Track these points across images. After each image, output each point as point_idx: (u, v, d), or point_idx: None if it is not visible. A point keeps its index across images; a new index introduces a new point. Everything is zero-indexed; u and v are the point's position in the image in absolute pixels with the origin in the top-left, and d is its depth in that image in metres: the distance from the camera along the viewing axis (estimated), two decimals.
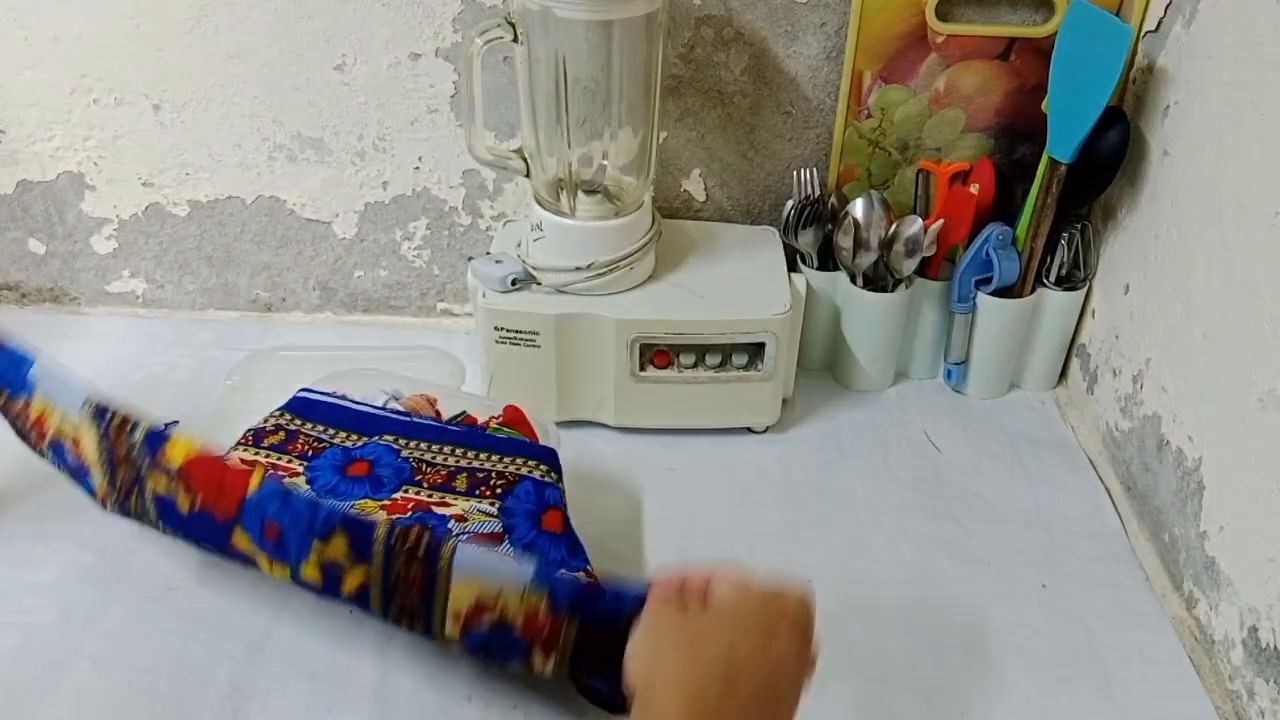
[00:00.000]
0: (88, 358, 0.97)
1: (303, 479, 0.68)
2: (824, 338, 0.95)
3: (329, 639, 0.69)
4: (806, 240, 0.91)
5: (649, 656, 0.47)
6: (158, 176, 0.96)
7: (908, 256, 0.86)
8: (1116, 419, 0.86)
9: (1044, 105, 0.83)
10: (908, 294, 0.90)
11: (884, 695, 0.67)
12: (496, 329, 0.83)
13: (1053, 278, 0.90)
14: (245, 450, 0.71)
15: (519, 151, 0.84)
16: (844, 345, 0.93)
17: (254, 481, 0.60)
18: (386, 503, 0.66)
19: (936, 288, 0.91)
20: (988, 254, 0.87)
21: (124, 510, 0.66)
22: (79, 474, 0.67)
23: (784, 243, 0.92)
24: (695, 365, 0.84)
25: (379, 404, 0.76)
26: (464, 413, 0.76)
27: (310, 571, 0.59)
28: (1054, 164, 0.82)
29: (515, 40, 0.76)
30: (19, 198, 0.98)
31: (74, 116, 0.93)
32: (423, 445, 0.72)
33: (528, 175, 0.84)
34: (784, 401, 0.90)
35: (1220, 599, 0.69)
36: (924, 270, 0.90)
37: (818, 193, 0.91)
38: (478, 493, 0.68)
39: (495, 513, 0.67)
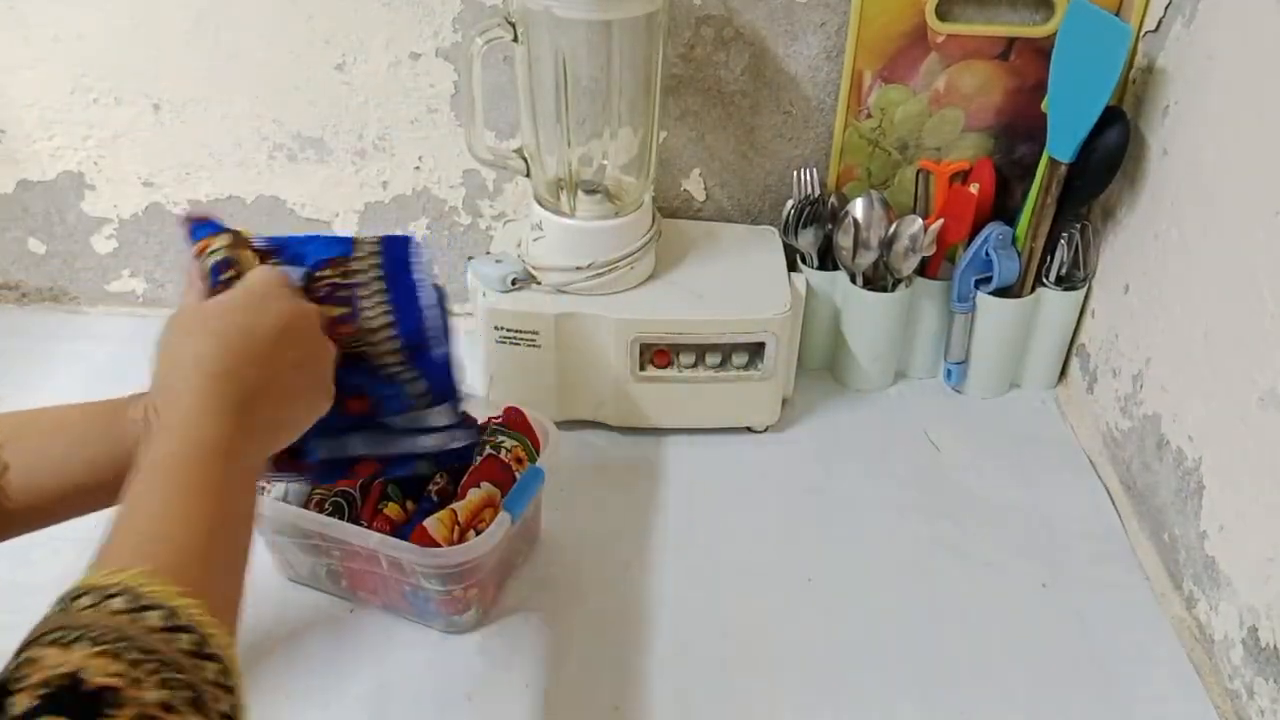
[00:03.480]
0: (88, 357, 0.97)
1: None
2: (824, 337, 0.95)
3: (329, 639, 0.69)
4: (806, 240, 0.91)
5: (168, 343, 0.48)
6: (158, 176, 0.96)
7: (907, 256, 0.86)
8: (1116, 418, 0.86)
9: (1044, 105, 0.83)
10: (908, 294, 0.90)
11: (884, 695, 0.67)
12: (496, 329, 0.83)
13: (1053, 277, 0.90)
14: None
15: (519, 151, 0.84)
16: (844, 345, 0.93)
17: None
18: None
19: (936, 287, 0.91)
20: (988, 254, 0.87)
21: None
22: None
23: (784, 242, 0.92)
24: (695, 365, 0.85)
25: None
26: (464, 411, 0.76)
27: None
28: (1054, 164, 0.82)
29: (515, 40, 0.76)
30: (19, 197, 0.98)
31: (74, 116, 0.93)
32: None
33: (528, 175, 0.84)
34: (784, 401, 0.90)
35: (1220, 598, 0.69)
36: (924, 270, 0.90)
37: (818, 192, 0.91)
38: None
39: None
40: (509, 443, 0.71)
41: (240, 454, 0.45)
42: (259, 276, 0.52)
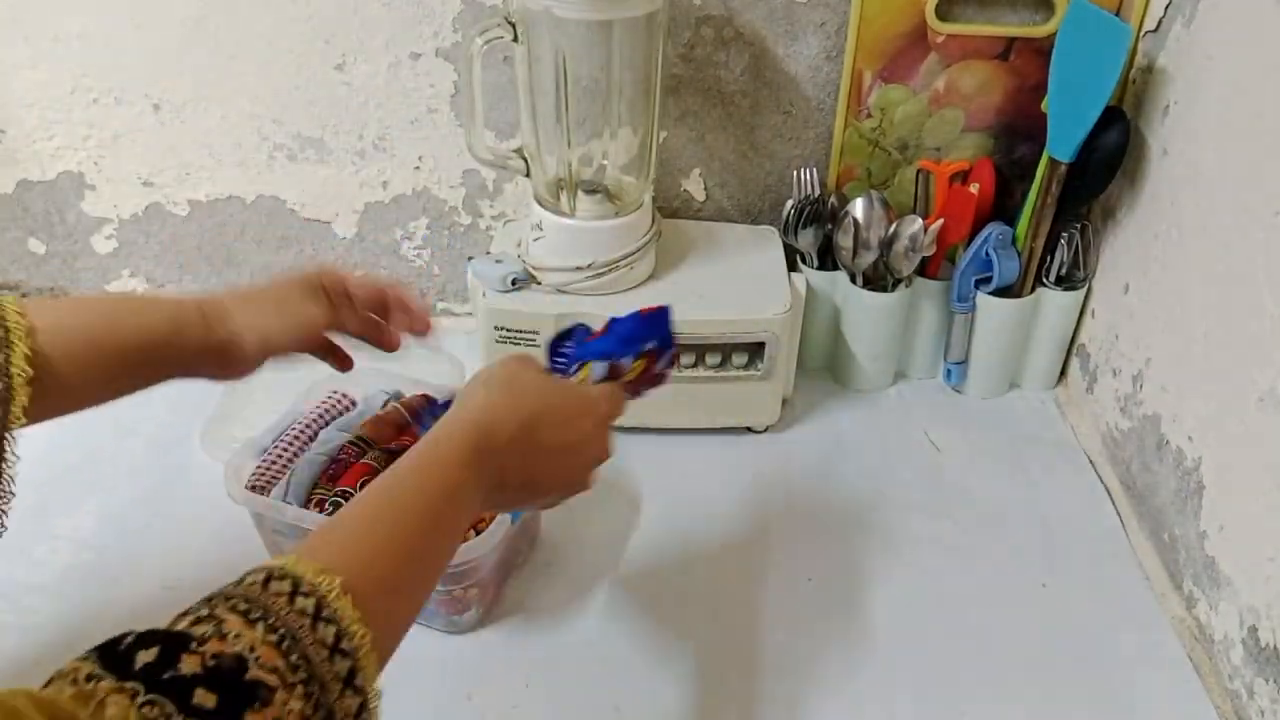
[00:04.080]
0: None
1: None
2: (824, 338, 0.95)
3: None
4: (806, 240, 0.91)
5: (485, 376, 0.53)
6: (158, 176, 0.96)
7: (907, 256, 0.86)
8: (1116, 418, 0.86)
9: (1044, 105, 0.83)
10: (908, 294, 0.90)
11: (884, 695, 0.67)
12: (496, 329, 0.83)
13: (1052, 277, 0.90)
14: None
15: (519, 151, 0.84)
16: (844, 345, 0.93)
17: None
18: None
19: (936, 288, 0.91)
20: (988, 254, 0.87)
21: None
22: None
23: (784, 242, 0.92)
24: (695, 365, 0.84)
25: (379, 405, 0.76)
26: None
27: None
28: (1054, 164, 0.82)
29: (515, 40, 0.76)
30: (19, 197, 0.98)
31: (74, 116, 0.93)
32: None
33: (528, 175, 0.84)
34: (784, 401, 0.90)
35: (1220, 598, 0.69)
36: (924, 270, 0.90)
37: (818, 192, 0.91)
38: None
39: None
40: None
41: (467, 512, 0.48)
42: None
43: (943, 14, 0.84)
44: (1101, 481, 0.85)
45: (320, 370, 0.81)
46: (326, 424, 0.75)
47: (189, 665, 0.33)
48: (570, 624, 0.71)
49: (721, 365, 0.84)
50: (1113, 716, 0.66)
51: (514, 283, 0.83)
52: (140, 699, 0.31)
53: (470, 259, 0.91)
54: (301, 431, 0.74)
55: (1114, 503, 0.83)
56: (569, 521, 0.79)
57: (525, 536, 0.75)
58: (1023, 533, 0.80)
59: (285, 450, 0.72)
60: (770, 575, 0.75)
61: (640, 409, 0.86)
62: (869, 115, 0.89)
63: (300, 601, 0.37)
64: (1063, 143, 0.81)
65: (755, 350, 0.84)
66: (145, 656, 0.33)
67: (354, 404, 0.77)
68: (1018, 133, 0.90)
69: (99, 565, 0.74)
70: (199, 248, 1.00)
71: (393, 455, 0.68)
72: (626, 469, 0.85)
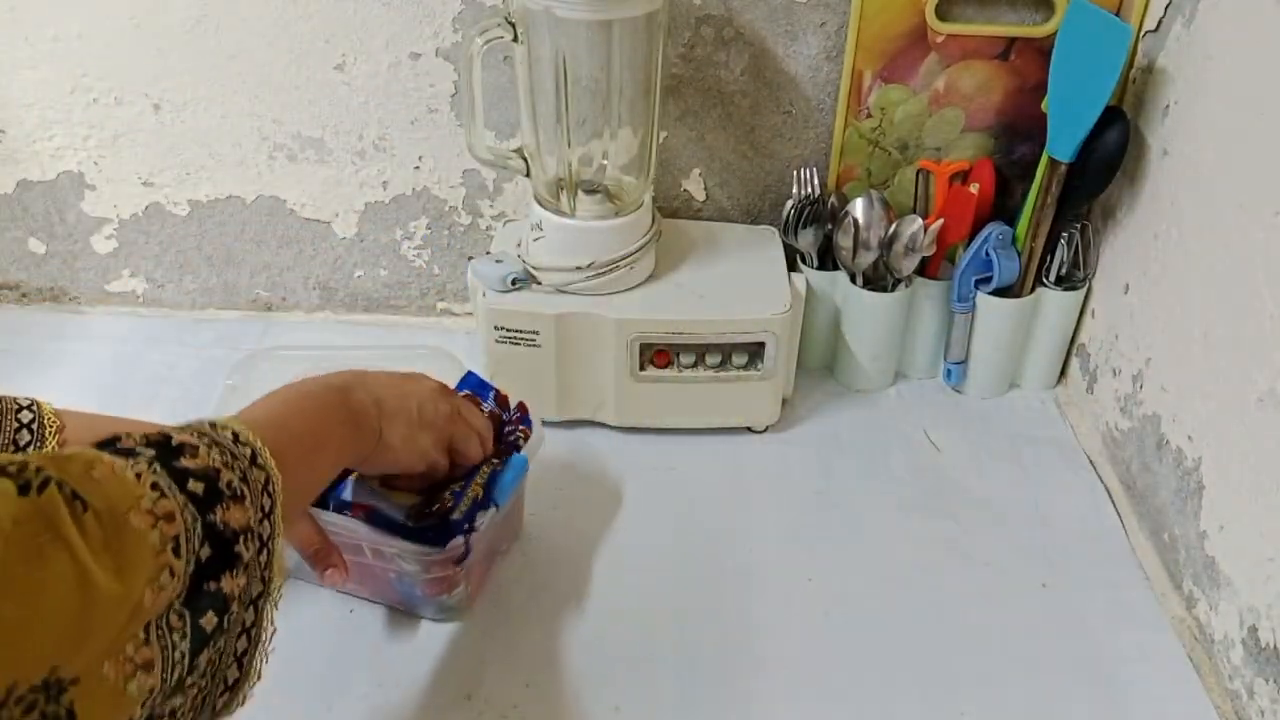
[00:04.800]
0: (88, 357, 0.97)
1: None
2: (824, 337, 0.95)
3: (330, 639, 0.69)
4: (806, 240, 0.91)
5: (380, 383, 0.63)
6: (158, 176, 0.96)
7: (907, 256, 0.86)
8: (1116, 418, 0.86)
9: (1044, 105, 0.83)
10: (908, 294, 0.90)
11: (884, 695, 0.67)
12: (496, 329, 0.83)
13: (1052, 277, 0.90)
14: None
15: (519, 151, 0.84)
16: (844, 345, 0.93)
17: None
18: None
19: (936, 288, 0.91)
20: (988, 254, 0.87)
21: None
22: None
23: (784, 242, 0.92)
24: (695, 365, 0.85)
25: None
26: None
27: None
28: (1054, 164, 0.82)
29: (515, 40, 0.76)
30: (19, 197, 0.98)
31: (74, 116, 0.93)
32: None
33: (528, 175, 0.84)
34: (784, 401, 0.90)
35: (1220, 598, 0.69)
36: (924, 270, 0.90)
37: (818, 192, 0.91)
38: None
39: None
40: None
41: (351, 417, 0.58)
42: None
43: (943, 14, 0.84)
44: (1101, 481, 0.85)
45: (322, 369, 0.82)
46: None
47: (128, 441, 0.42)
48: (570, 624, 0.71)
49: (721, 365, 0.84)
50: (1113, 716, 0.66)
51: (514, 283, 0.83)
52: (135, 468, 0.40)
53: (470, 259, 0.91)
54: None
55: (1114, 503, 0.83)
56: (569, 522, 0.79)
57: (509, 527, 0.76)
58: (1023, 533, 0.80)
59: None
60: (770, 575, 0.75)
61: (640, 409, 0.87)
62: (869, 115, 0.89)
63: (241, 447, 0.46)
64: (1063, 143, 0.81)
65: (755, 350, 0.84)
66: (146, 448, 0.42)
67: None
68: (1018, 133, 0.90)
69: None
70: (199, 248, 1.00)
71: None
72: (627, 469, 0.85)
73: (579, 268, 0.82)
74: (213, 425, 0.46)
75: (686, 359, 0.84)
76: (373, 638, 0.69)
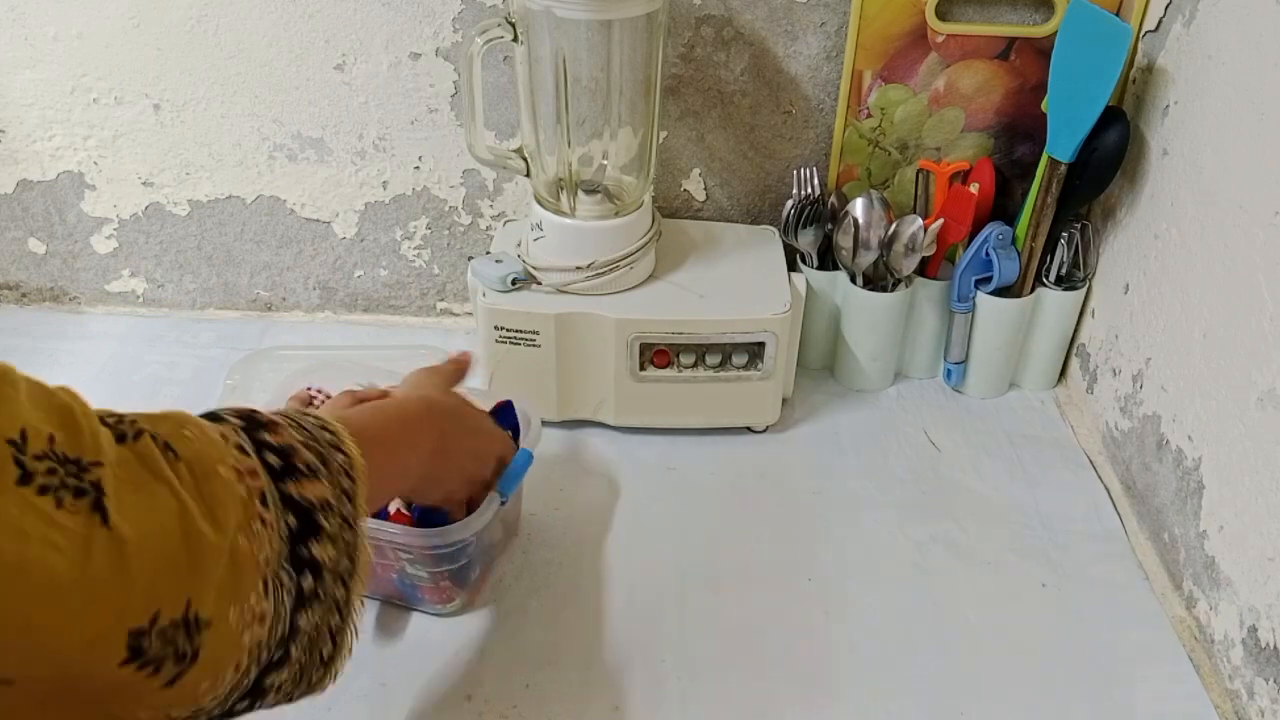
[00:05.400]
0: (88, 357, 0.97)
1: None
2: (824, 337, 0.95)
3: None
4: (806, 240, 0.91)
5: (415, 383, 0.67)
6: (158, 176, 0.96)
7: (907, 256, 0.86)
8: (1116, 418, 0.86)
9: (1044, 105, 0.83)
10: (908, 294, 0.90)
11: (884, 695, 0.67)
12: (496, 329, 0.83)
13: (1052, 277, 0.90)
14: None
15: (519, 151, 0.84)
16: (844, 345, 0.93)
17: None
18: None
19: (936, 287, 0.91)
20: (987, 254, 0.87)
21: None
22: None
23: (784, 242, 0.92)
24: (695, 365, 0.85)
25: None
26: None
27: None
28: (1054, 164, 0.82)
29: (515, 40, 0.76)
30: (19, 197, 0.98)
31: (74, 116, 0.93)
32: None
33: (528, 175, 0.84)
34: (784, 401, 0.90)
35: (1220, 598, 0.69)
36: (924, 270, 0.90)
37: (818, 192, 0.91)
38: None
39: None
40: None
41: (423, 443, 0.60)
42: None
43: (943, 14, 0.84)
44: (1101, 481, 0.85)
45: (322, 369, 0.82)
46: None
47: (221, 414, 0.45)
48: (569, 625, 0.71)
49: (721, 365, 0.84)
50: (1113, 716, 0.66)
51: (514, 283, 0.83)
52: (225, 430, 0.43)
53: (470, 259, 0.91)
54: None
55: (1114, 503, 0.83)
56: (569, 522, 0.79)
57: (506, 524, 0.76)
58: (1023, 533, 0.80)
59: None
60: (770, 575, 0.75)
61: (640, 409, 0.87)
62: (869, 115, 0.89)
63: (323, 434, 0.48)
64: (1063, 143, 0.81)
65: (755, 350, 0.84)
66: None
67: (328, 397, 0.76)
68: (1018, 133, 0.90)
69: None
70: (199, 248, 1.01)
71: None
72: (627, 469, 0.85)
73: (579, 268, 0.82)
74: (302, 413, 0.49)
75: (686, 359, 0.84)
76: (374, 638, 0.69)
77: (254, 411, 0.46)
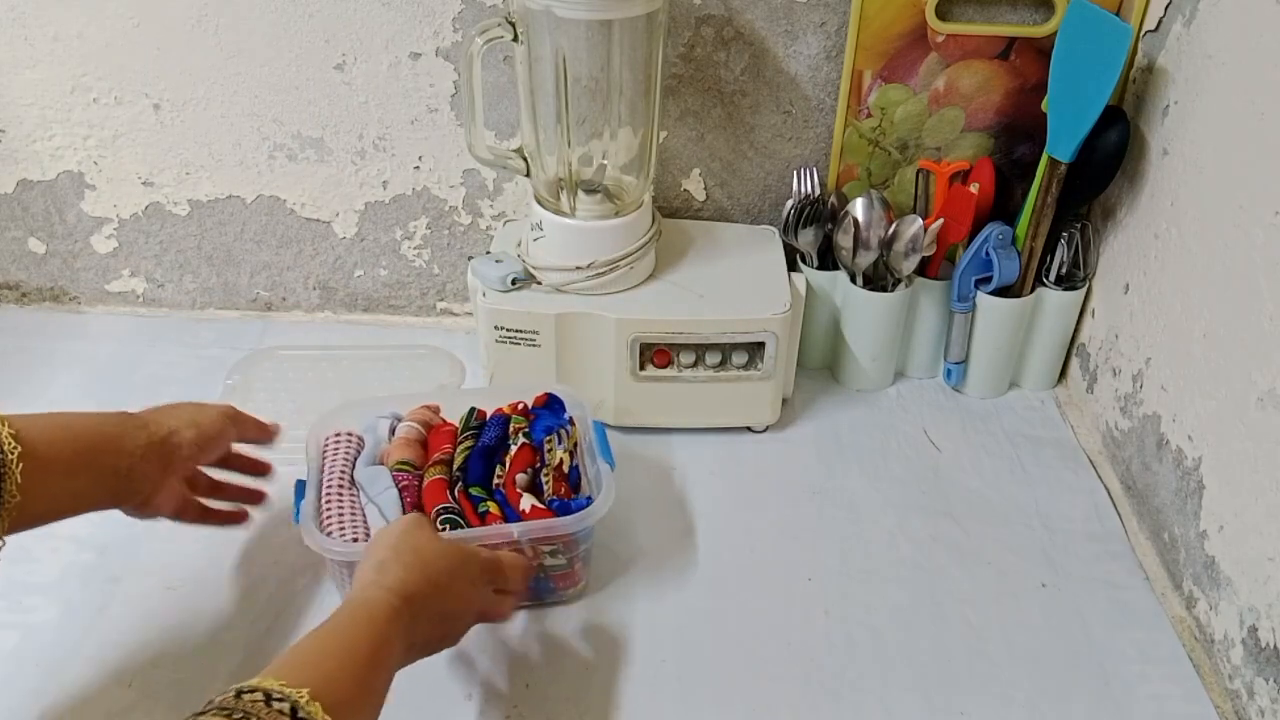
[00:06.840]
0: (88, 357, 0.97)
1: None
2: (824, 337, 0.95)
3: None
4: (806, 240, 0.91)
5: (391, 543, 0.60)
6: (158, 176, 0.96)
7: (908, 256, 0.86)
8: (1116, 418, 0.86)
9: (1044, 105, 0.83)
10: (908, 294, 0.90)
11: (884, 694, 0.67)
12: (496, 328, 0.83)
13: (1052, 277, 0.90)
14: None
15: (519, 151, 0.84)
16: (844, 345, 0.93)
17: None
18: None
19: (936, 287, 0.91)
20: (988, 253, 0.87)
21: None
22: None
23: (784, 242, 0.92)
24: (695, 365, 0.85)
25: (386, 432, 0.76)
26: (474, 409, 0.77)
27: None
28: (1054, 164, 0.82)
29: (515, 40, 0.76)
30: (19, 197, 0.98)
31: (74, 116, 0.93)
32: None
33: (528, 175, 0.84)
34: (784, 401, 0.90)
35: (1220, 598, 0.69)
36: (924, 270, 0.90)
37: (818, 192, 0.91)
38: None
39: None
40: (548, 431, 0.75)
41: (393, 664, 0.56)
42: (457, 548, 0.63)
43: (943, 14, 0.84)
44: (1101, 481, 0.85)
45: (322, 368, 0.82)
46: (352, 464, 0.73)
47: None
48: (568, 624, 0.71)
49: (721, 365, 0.84)
50: (1113, 716, 0.66)
51: (514, 283, 0.83)
52: None
53: (470, 259, 0.91)
54: (340, 477, 0.71)
55: (1114, 503, 0.83)
56: None
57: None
58: (1023, 533, 0.80)
59: (339, 497, 0.70)
60: (770, 575, 0.75)
61: (640, 409, 0.87)
62: (869, 115, 0.89)
63: (277, 705, 0.45)
64: (1063, 143, 0.81)
65: (755, 350, 0.84)
66: None
67: (361, 439, 0.75)
68: (1018, 133, 0.90)
69: (99, 565, 0.74)
70: (199, 248, 1.01)
71: (443, 464, 0.72)
72: (627, 468, 0.85)
73: (579, 268, 0.82)
74: (239, 695, 0.45)
75: (686, 359, 0.84)
76: None
77: None
